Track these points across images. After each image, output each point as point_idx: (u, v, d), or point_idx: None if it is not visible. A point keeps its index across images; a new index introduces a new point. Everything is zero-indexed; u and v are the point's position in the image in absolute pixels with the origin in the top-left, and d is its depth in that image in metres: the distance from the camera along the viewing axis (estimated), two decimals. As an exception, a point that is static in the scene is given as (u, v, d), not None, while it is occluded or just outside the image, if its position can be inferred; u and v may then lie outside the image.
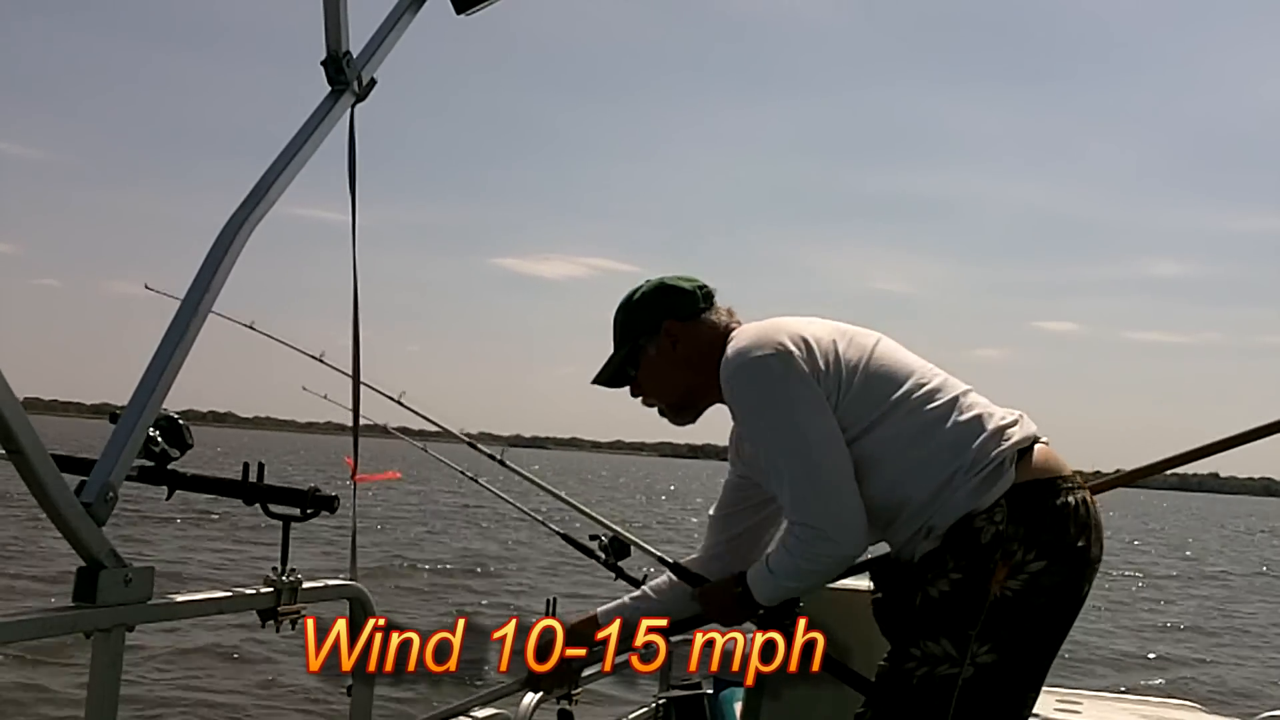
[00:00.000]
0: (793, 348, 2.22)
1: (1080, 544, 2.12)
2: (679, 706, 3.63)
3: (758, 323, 2.37)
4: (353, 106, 2.24)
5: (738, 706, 3.42)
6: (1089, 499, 2.19)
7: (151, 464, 2.03)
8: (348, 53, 2.20)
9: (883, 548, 2.37)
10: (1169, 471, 2.60)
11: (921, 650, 2.10)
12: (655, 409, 2.50)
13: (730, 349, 2.30)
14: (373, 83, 2.27)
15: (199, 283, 1.91)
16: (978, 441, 2.17)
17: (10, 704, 7.84)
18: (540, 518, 4.01)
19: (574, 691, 3.03)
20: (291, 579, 2.07)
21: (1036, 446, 2.21)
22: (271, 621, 2.06)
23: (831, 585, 2.55)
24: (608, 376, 2.50)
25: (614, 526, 3.14)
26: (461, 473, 3.98)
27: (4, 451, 1.50)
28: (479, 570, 17.37)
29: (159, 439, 2.02)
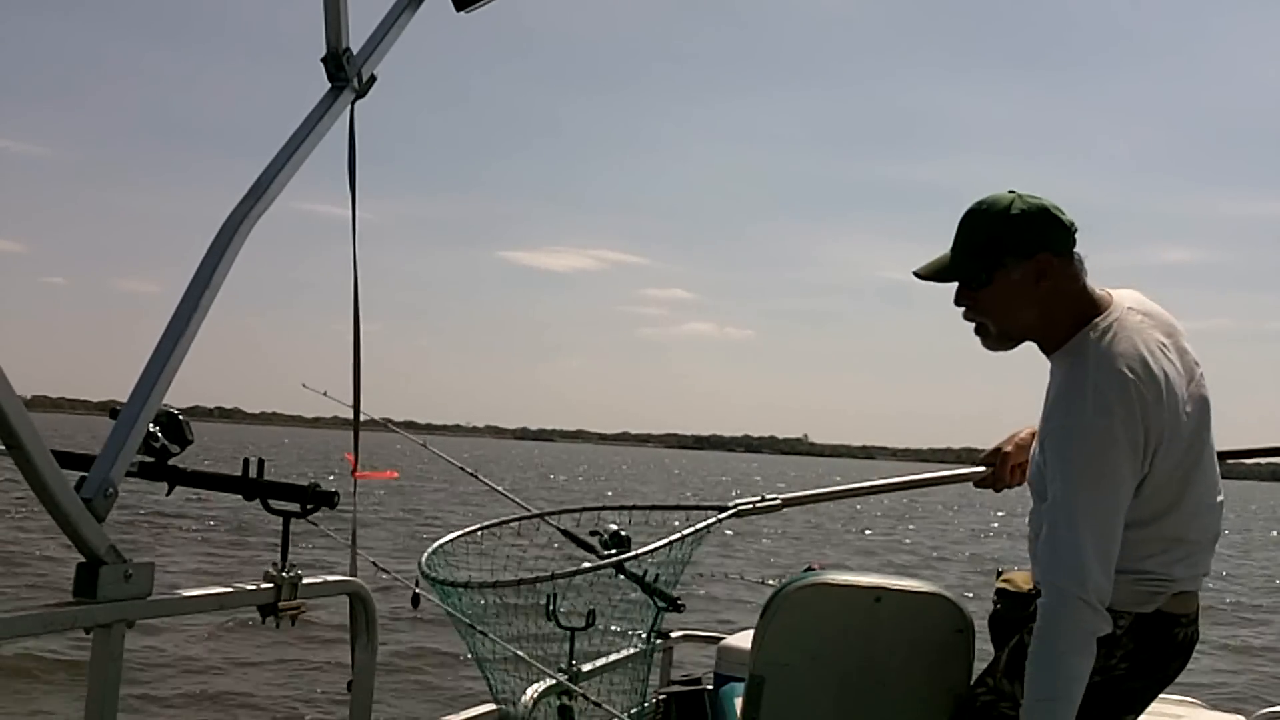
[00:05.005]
0: (1142, 392, 2.13)
1: (1169, 671, 2.30)
2: (680, 702, 3.63)
3: (1133, 330, 2.22)
4: (353, 103, 2.24)
5: (738, 702, 3.42)
6: (1196, 632, 2.32)
7: (151, 460, 2.04)
8: (348, 49, 2.20)
9: None
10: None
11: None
12: (973, 324, 2.33)
13: (1117, 347, 2.17)
14: (373, 79, 2.27)
15: (199, 278, 1.91)
16: (1167, 558, 2.22)
17: (10, 700, 7.85)
18: (539, 512, 4.01)
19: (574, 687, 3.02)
20: (291, 575, 2.07)
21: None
22: (272, 617, 2.06)
23: (833, 580, 2.55)
24: (955, 274, 2.31)
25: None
26: (461, 468, 3.98)
27: (4, 447, 1.50)
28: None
29: (159, 435, 2.02)
